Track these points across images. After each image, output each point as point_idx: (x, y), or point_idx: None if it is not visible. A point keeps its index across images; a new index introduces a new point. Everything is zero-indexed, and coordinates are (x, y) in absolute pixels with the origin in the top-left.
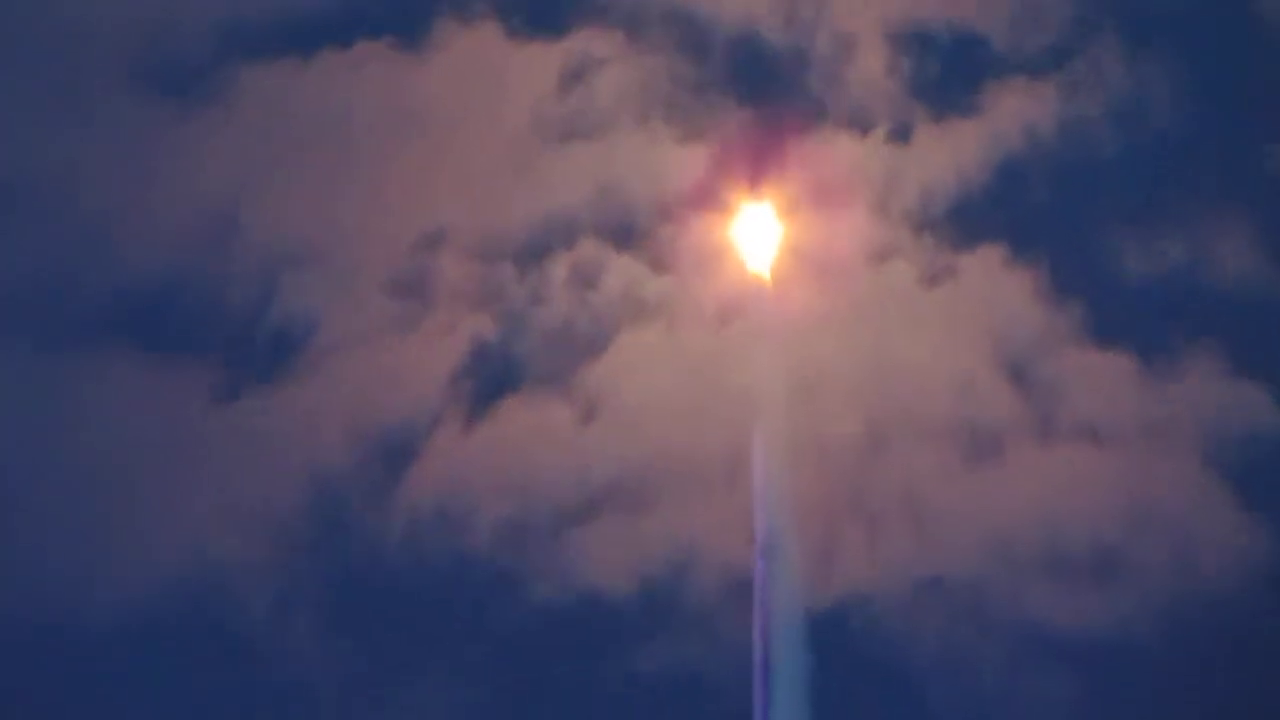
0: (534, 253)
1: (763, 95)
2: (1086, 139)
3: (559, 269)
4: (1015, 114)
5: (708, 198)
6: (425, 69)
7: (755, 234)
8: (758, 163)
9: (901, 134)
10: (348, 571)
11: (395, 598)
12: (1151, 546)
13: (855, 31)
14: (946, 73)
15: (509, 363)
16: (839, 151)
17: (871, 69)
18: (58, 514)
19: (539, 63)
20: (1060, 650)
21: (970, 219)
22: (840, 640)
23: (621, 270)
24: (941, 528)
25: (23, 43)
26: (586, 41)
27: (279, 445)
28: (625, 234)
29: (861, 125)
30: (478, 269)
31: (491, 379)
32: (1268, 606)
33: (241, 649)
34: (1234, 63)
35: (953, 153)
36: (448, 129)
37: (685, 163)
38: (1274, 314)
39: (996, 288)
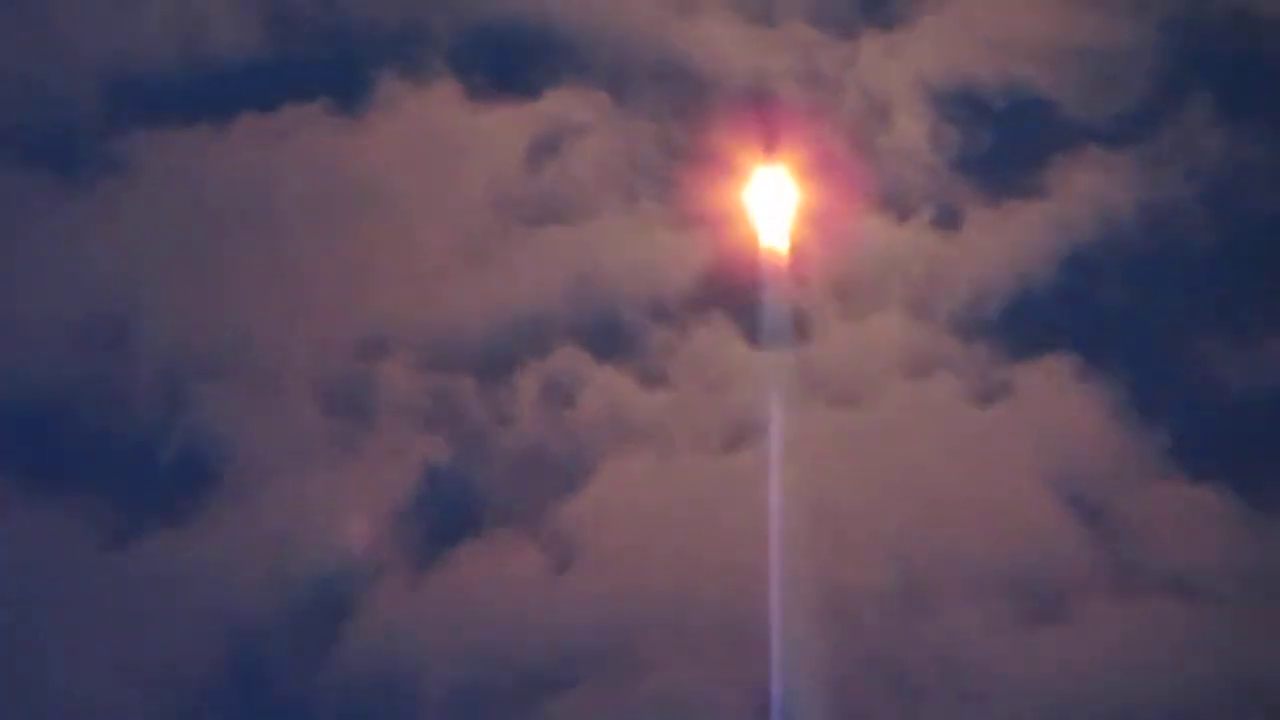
0: (498, 362)
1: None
2: (1174, 225)
3: (528, 382)
4: (1087, 194)
5: (709, 295)
6: (367, 138)
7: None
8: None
9: (948, 220)
10: None
11: None
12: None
13: (891, 92)
14: (1003, 144)
15: (467, 496)
16: (871, 241)
17: (911, 138)
18: None
19: (505, 130)
20: None
21: (1031, 324)
22: None
23: (605, 384)
24: (995, 701)
25: None
26: (563, 104)
27: (187, 597)
28: (609, 339)
29: (899, 208)
30: (430, 381)
31: (446, 515)
32: None
33: None
34: None
35: (1010, 243)
36: (394, 210)
37: (682, 252)
38: None
39: (1063, 407)
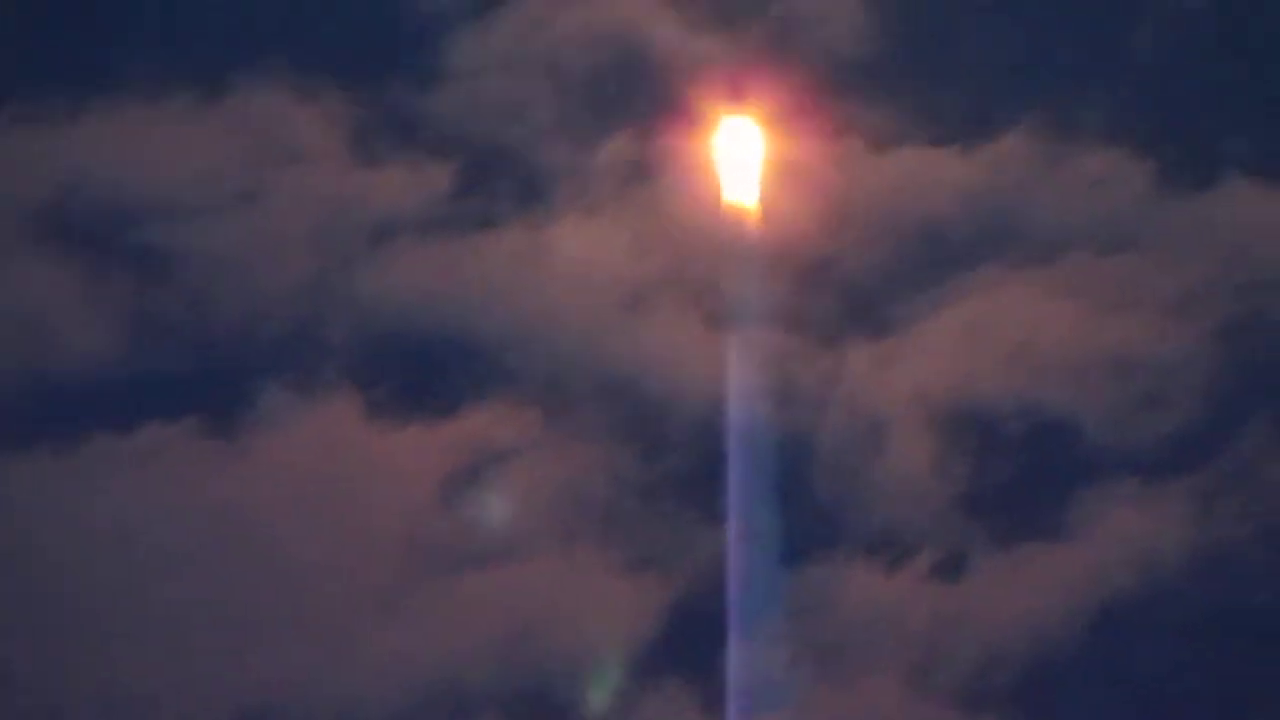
0: None
1: (754, 511)
2: (1230, 573)
3: None
4: (1121, 536)
5: (663, 657)
6: (245, 464)
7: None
8: (741, 598)
9: (951, 566)
10: None
11: None
12: None
13: (885, 411)
14: (1017, 475)
15: None
16: (860, 592)
17: (908, 467)
18: None
19: (417, 455)
20: None
21: (1052, 697)
22: None
23: None
24: None
25: None
26: (486, 424)
27: None
28: (541, 711)
29: (893, 552)
30: None
31: None
32: None
33: None
34: None
35: (1026, 595)
36: (279, 553)
37: (632, 603)
38: None
39: None
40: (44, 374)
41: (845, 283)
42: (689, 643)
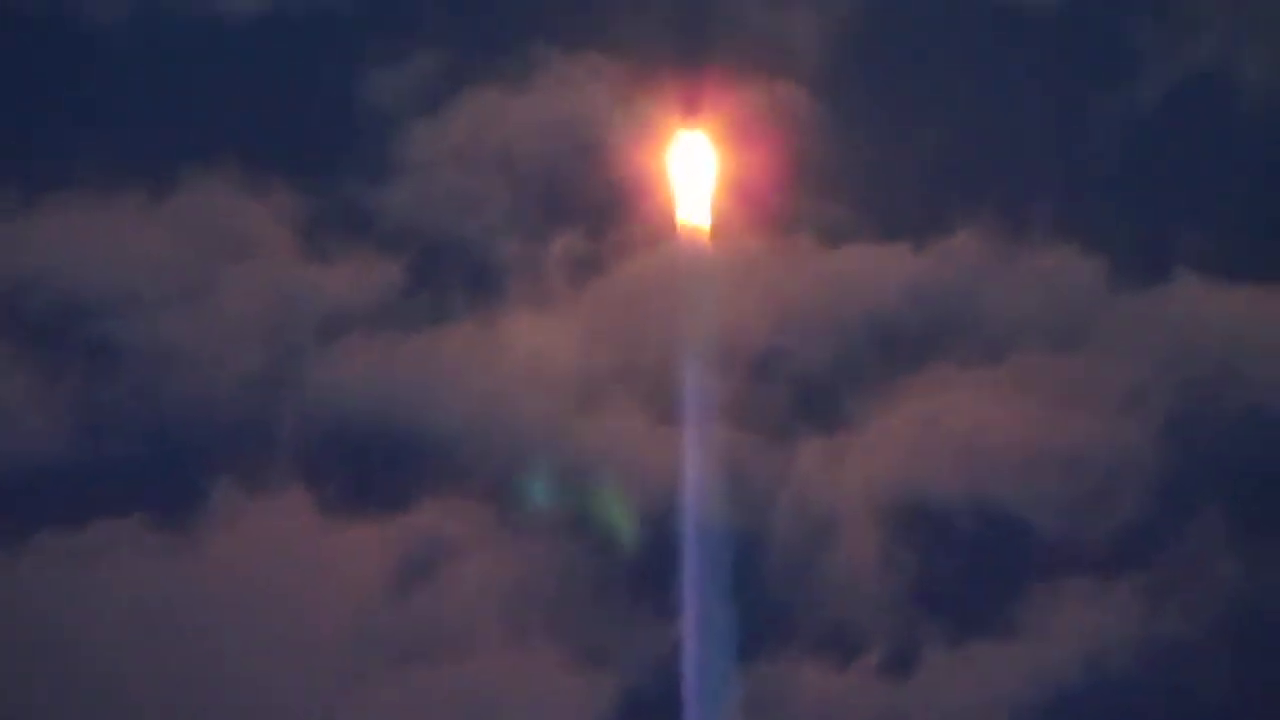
0: None
1: (711, 602)
2: (1179, 668)
3: None
4: (1070, 632)
5: None
6: (196, 559)
7: None
8: (695, 694)
9: (900, 663)
10: None
11: None
12: None
13: (836, 507)
14: (969, 571)
15: None
16: (810, 689)
17: (860, 564)
18: None
19: (367, 549)
20: None
21: None
22: None
23: None
24: None
25: None
26: (438, 518)
27: None
28: None
29: (841, 649)
30: None
31: None
32: None
33: None
34: None
35: (974, 691)
36: (229, 647)
37: (584, 698)
38: None
39: None
40: None
41: (796, 378)
42: None
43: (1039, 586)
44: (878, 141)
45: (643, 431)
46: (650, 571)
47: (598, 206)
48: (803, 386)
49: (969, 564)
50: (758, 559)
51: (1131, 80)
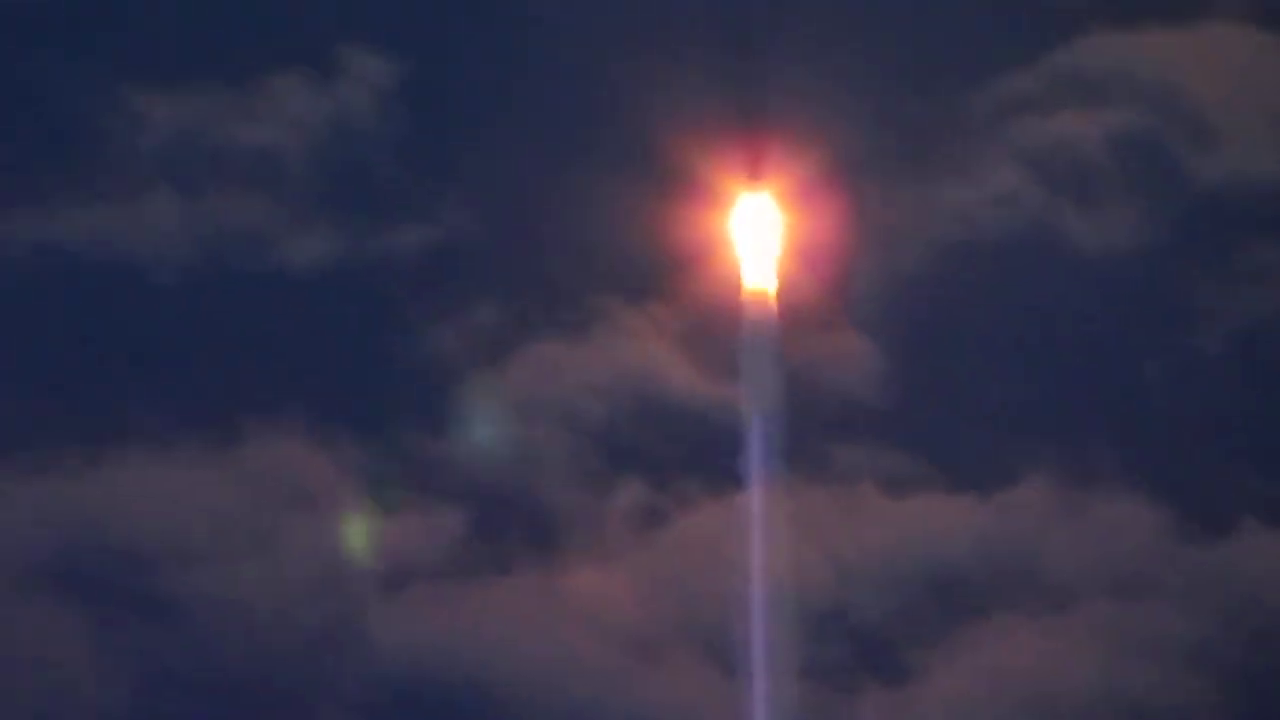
0: None
1: None
2: None
3: None
4: None
5: None
6: None
7: None
8: None
9: None
10: None
11: None
12: None
13: None
14: None
15: None
16: None
17: None
18: None
19: None
20: None
21: None
22: None
23: None
24: None
25: None
26: None
27: None
28: None
29: None
30: None
31: None
32: None
33: None
34: None
35: None
36: None
37: None
38: None
39: None
40: None
41: (860, 630)
42: None
43: None
44: (943, 391)
45: (705, 684)
46: None
47: (659, 458)
48: (867, 638)
49: None
50: None
51: (1193, 325)
